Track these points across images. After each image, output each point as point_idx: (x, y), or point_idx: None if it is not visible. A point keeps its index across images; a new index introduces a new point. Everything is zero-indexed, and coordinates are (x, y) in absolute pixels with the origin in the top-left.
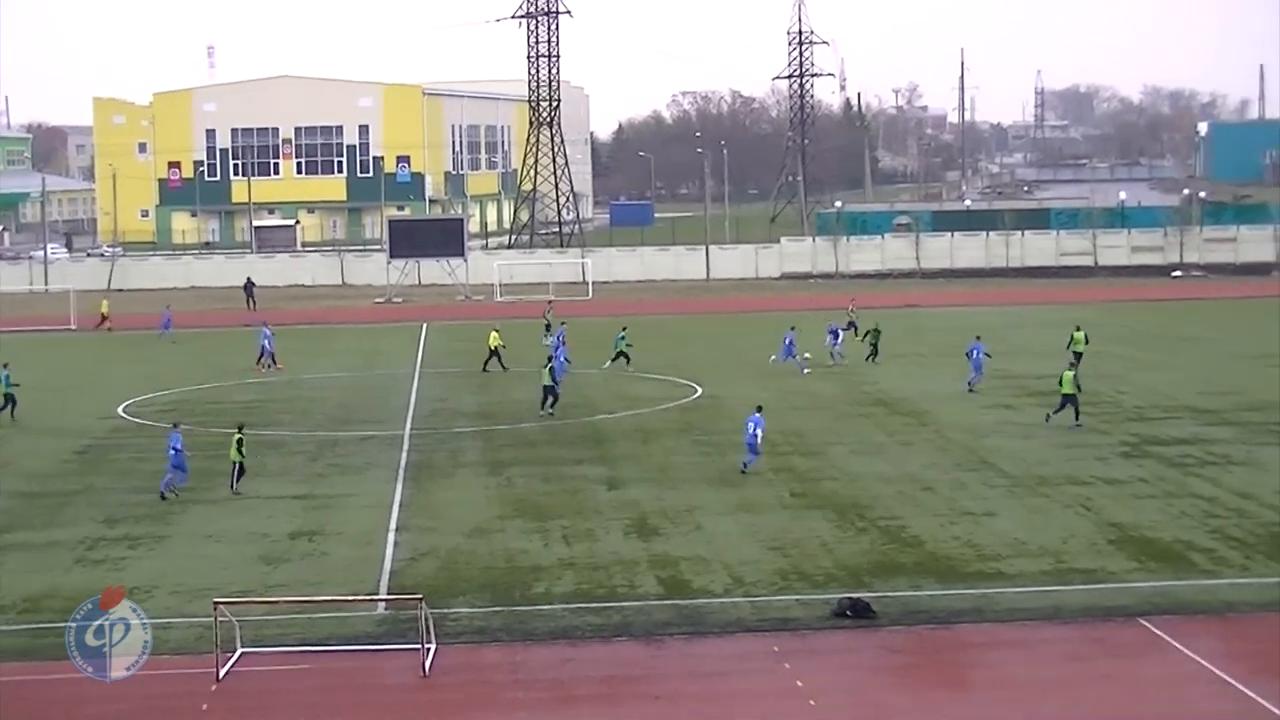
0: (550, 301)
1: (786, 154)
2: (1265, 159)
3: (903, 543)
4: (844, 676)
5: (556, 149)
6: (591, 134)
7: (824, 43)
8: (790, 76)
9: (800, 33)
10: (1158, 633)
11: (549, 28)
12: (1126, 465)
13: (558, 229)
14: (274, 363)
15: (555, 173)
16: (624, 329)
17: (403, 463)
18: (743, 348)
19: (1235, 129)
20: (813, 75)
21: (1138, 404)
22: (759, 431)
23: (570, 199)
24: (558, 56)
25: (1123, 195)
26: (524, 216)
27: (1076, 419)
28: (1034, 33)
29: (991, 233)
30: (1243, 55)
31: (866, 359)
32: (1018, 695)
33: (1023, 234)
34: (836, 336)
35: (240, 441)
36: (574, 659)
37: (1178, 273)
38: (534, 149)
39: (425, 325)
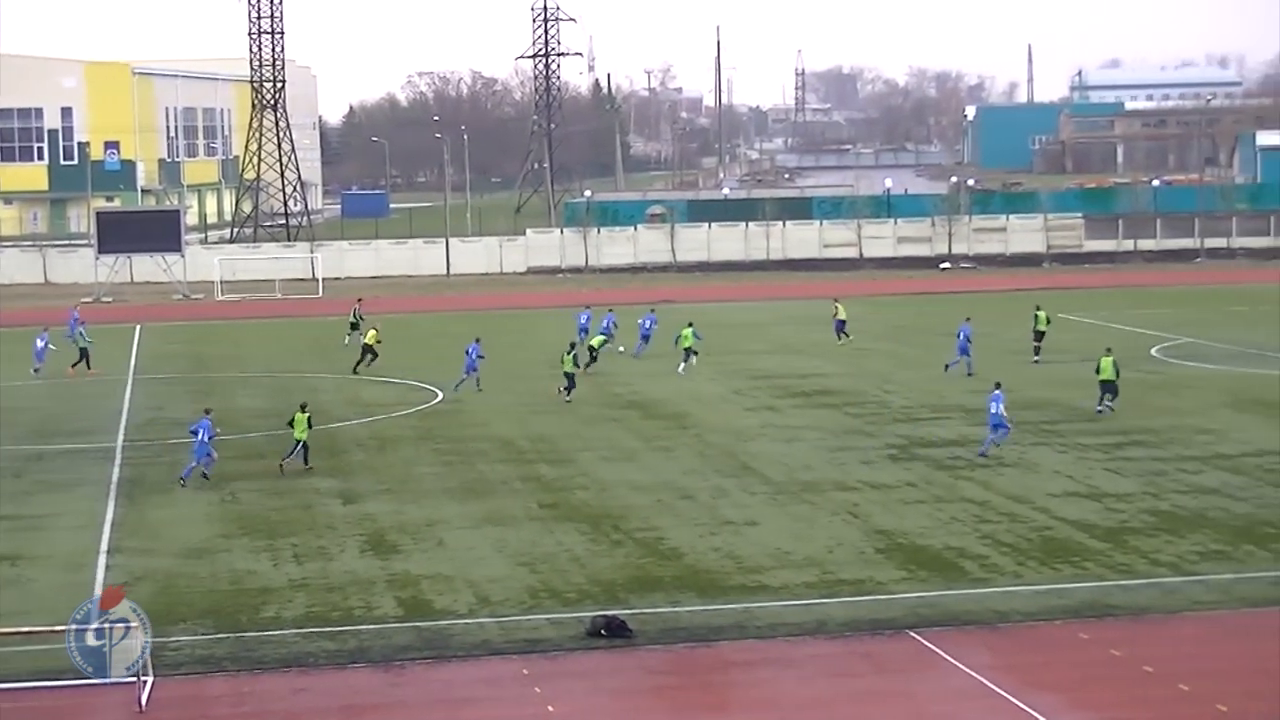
0: (359, 300)
1: (532, 139)
2: (1035, 145)
3: (660, 555)
4: (599, 700)
5: (282, 134)
6: (320, 118)
7: (571, 20)
8: (535, 56)
9: (545, 9)
10: (928, 645)
11: (272, 2)
12: (894, 469)
13: (284, 221)
14: None
15: (281, 160)
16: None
17: (115, 478)
18: (486, 348)
19: (1004, 113)
20: (559, 55)
21: (905, 404)
22: (1002, 409)
23: (297, 188)
24: (282, 33)
25: (888, 183)
26: (247, 208)
27: (1100, 403)
28: (793, 11)
29: (751, 223)
30: (1011, 35)
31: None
32: (782, 715)
33: (784, 224)
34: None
35: None
36: (307, 688)
37: (946, 265)
38: (257, 134)
39: (139, 327)
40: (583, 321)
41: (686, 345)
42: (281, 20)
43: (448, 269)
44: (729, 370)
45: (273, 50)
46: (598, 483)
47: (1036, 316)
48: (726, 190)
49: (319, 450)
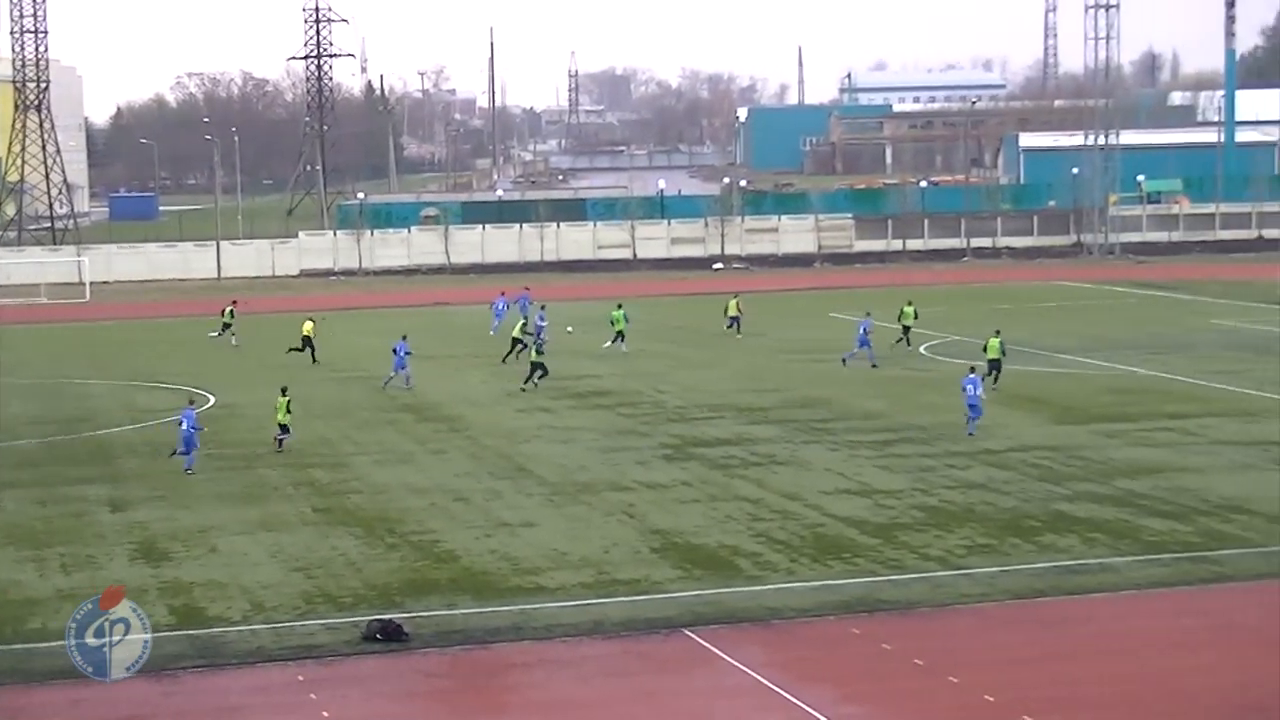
0: (235, 301)
1: (304, 141)
2: (805, 146)
3: (436, 558)
4: (375, 705)
5: (46, 135)
6: (86, 119)
7: (343, 21)
8: (307, 57)
9: (317, 10)
10: (704, 644)
11: (35, 0)
12: (669, 468)
13: (49, 224)
14: None
15: (45, 162)
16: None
17: None
18: (260, 351)
19: (775, 114)
20: (331, 56)
21: (679, 404)
22: (979, 392)
23: (63, 191)
24: (45, 32)
25: (662, 184)
26: (10, 210)
27: (995, 383)
28: (566, 12)
29: (525, 225)
30: (781, 37)
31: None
32: (560, 716)
33: (558, 226)
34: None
35: None
36: (82, 700)
37: (719, 265)
38: (20, 135)
39: None
40: (499, 308)
41: (619, 329)
42: (44, 19)
43: (219, 272)
44: (503, 372)
45: (36, 50)
46: (372, 486)
47: (904, 311)
48: (500, 192)
49: (92, 457)
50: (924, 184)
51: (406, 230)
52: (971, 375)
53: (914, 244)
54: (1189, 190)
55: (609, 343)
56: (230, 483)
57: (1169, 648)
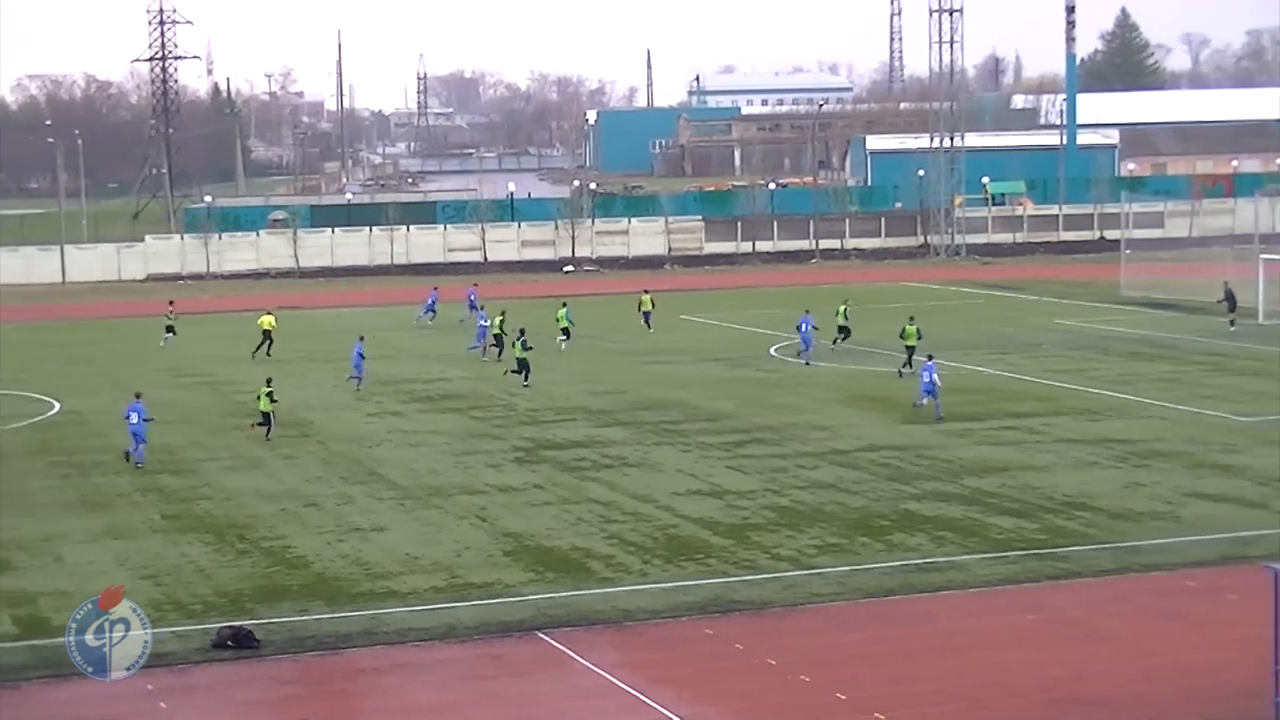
0: (171, 302)
1: (149, 144)
2: (655, 149)
3: (288, 564)
4: (226, 713)
5: None
6: None
7: (188, 22)
8: (151, 59)
9: (161, 11)
10: (557, 646)
11: None
12: (521, 471)
13: None
14: None
15: None
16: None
17: None
18: (104, 356)
19: (624, 117)
20: (176, 58)
21: (531, 406)
22: (935, 378)
23: None
24: None
25: (512, 187)
26: None
27: (905, 365)
28: (415, 14)
29: (375, 228)
30: (630, 40)
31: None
32: None
33: (408, 229)
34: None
35: None
36: None
37: (570, 268)
38: None
39: None
40: (430, 302)
41: (563, 325)
42: None
43: (63, 276)
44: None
45: None
46: (222, 492)
47: (839, 310)
48: (349, 195)
49: None
50: (772, 186)
51: (255, 234)
52: (929, 362)
53: (763, 246)
54: (1032, 192)
55: (563, 342)
56: (75, 490)
57: (1015, 643)
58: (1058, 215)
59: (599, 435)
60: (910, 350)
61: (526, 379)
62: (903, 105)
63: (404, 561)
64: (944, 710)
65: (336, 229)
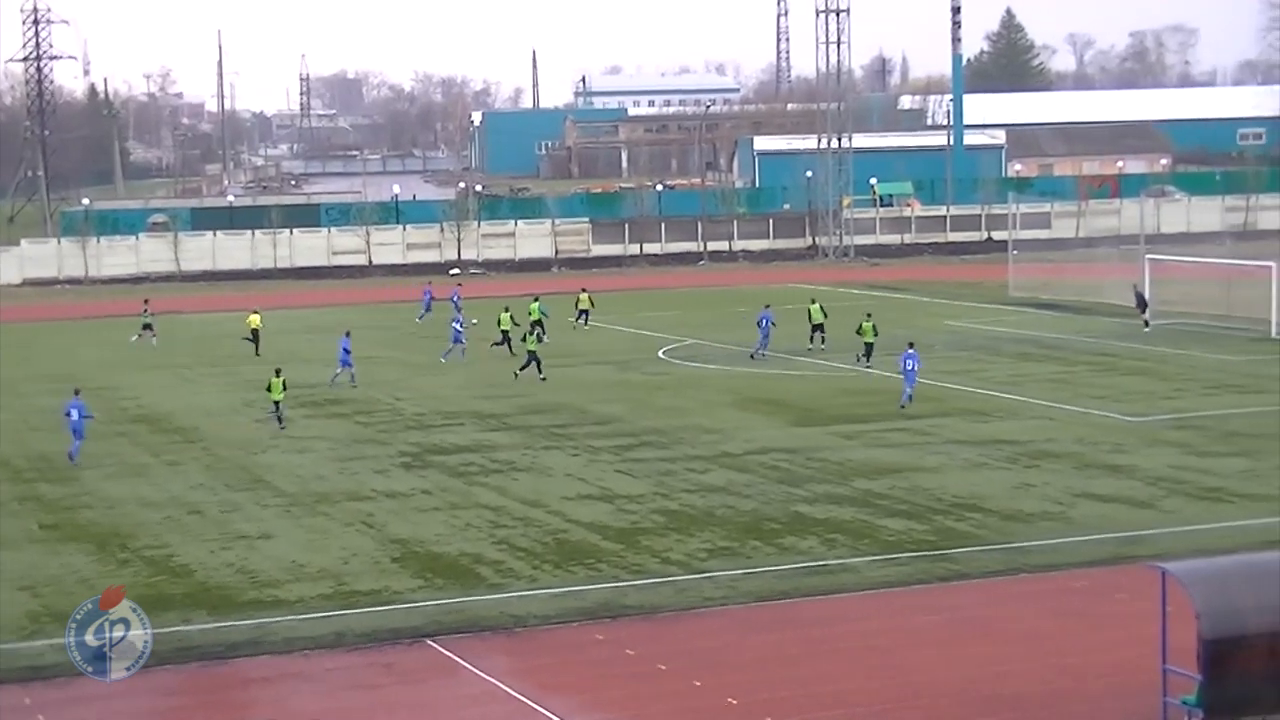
0: (146, 300)
1: (24, 146)
2: (541, 150)
3: (171, 573)
4: None
5: None
6: None
7: (64, 22)
8: (26, 59)
9: (36, 10)
10: (447, 653)
11: None
12: (408, 477)
13: None
14: None
15: None
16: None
17: None
18: None
19: (510, 118)
20: (52, 58)
21: (418, 411)
22: (915, 366)
23: None
24: None
25: (397, 189)
26: None
27: (863, 357)
28: (297, 15)
29: (257, 231)
30: (515, 41)
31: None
32: None
33: (291, 232)
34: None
35: None
36: None
37: (456, 270)
38: None
39: None
40: (426, 300)
41: (535, 319)
42: None
43: None
44: (238, 381)
45: None
46: (104, 500)
47: (810, 311)
48: (231, 198)
49: None
50: (660, 188)
51: (134, 237)
52: (910, 351)
53: (651, 248)
54: (920, 193)
55: (539, 338)
56: None
57: (907, 645)
58: (945, 216)
59: (487, 440)
60: (869, 346)
61: (540, 371)
62: (790, 106)
63: (290, 569)
64: (840, 714)
65: (218, 232)
